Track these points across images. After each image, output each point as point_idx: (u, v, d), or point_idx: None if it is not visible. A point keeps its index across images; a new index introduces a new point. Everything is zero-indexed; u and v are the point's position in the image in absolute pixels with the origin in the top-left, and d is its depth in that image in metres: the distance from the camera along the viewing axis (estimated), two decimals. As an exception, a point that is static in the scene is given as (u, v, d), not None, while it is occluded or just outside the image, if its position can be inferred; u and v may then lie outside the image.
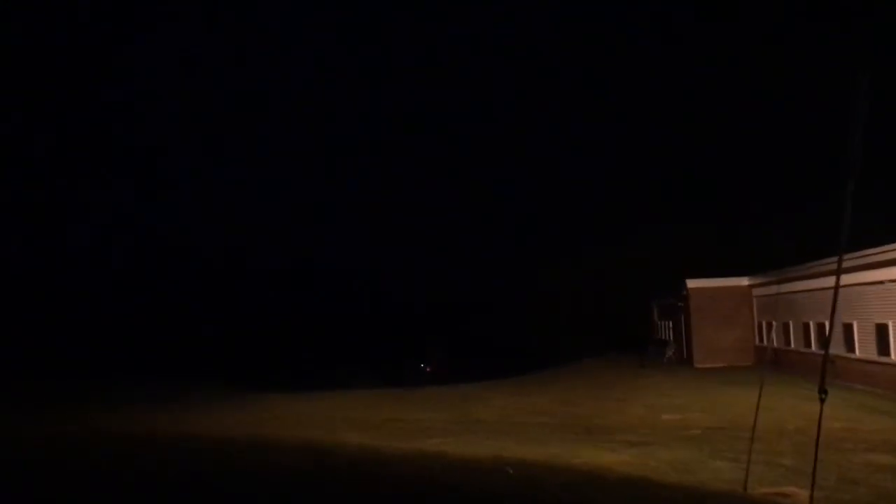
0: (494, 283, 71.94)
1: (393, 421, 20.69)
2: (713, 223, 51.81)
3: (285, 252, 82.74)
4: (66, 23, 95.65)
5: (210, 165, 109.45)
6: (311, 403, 28.01)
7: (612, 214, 67.03)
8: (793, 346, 27.85)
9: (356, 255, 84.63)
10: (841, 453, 11.23)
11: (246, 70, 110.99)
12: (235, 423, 21.70)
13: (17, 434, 17.46)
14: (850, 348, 22.24)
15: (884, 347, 20.32)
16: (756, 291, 32.58)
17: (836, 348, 22.51)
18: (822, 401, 5.71)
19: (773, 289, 29.90)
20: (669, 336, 38.71)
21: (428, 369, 56.69)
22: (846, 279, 20.57)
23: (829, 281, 20.94)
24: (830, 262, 22.11)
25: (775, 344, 29.51)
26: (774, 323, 29.87)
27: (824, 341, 23.38)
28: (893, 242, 19.59)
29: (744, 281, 33.12)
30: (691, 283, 33.96)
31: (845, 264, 7.61)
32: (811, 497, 6.36)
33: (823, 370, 5.83)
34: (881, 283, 20.37)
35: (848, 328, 22.30)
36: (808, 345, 26.19)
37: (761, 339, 31.87)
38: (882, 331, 20.44)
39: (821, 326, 25.00)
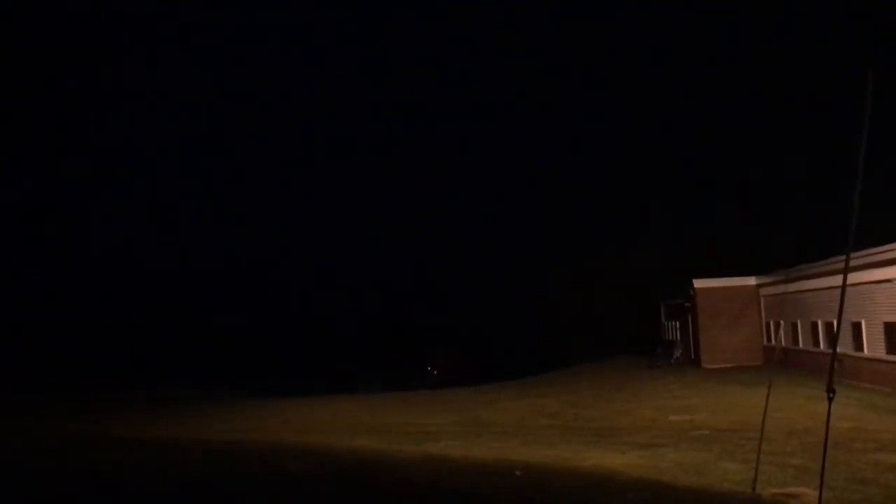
0: (499, 285, 71.85)
1: (400, 424, 20.70)
2: (720, 223, 51.63)
3: (286, 253, 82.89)
4: (65, 23, 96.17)
5: (210, 165, 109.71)
6: (318, 407, 28.05)
7: (618, 214, 66.89)
8: (801, 345, 27.72)
9: (357, 255, 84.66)
10: (850, 453, 11.17)
11: (246, 70, 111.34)
12: (242, 427, 21.74)
13: (25, 436, 17.53)
14: (859, 347, 22.12)
15: (892, 346, 20.21)
16: (764, 291, 32.46)
17: (845, 347, 22.40)
18: (830, 400, 5.68)
19: (781, 288, 29.80)
20: (677, 337, 38.59)
21: (435, 372, 56.66)
22: (854, 278, 20.50)
23: (837, 280, 20.88)
24: (838, 261, 22.01)
25: (783, 343, 29.40)
26: (782, 322, 29.75)
27: (832, 340, 23.27)
28: (901, 240, 19.50)
29: (751, 281, 33.00)
30: (698, 284, 33.86)
31: (853, 263, 7.58)
32: (820, 497, 6.32)
33: (831, 369, 5.80)
34: (889, 281, 20.27)
35: (856, 327, 22.19)
36: (817, 344, 26.07)
37: (769, 339, 31.74)
38: (890, 329, 20.33)
39: (829, 325, 24.88)
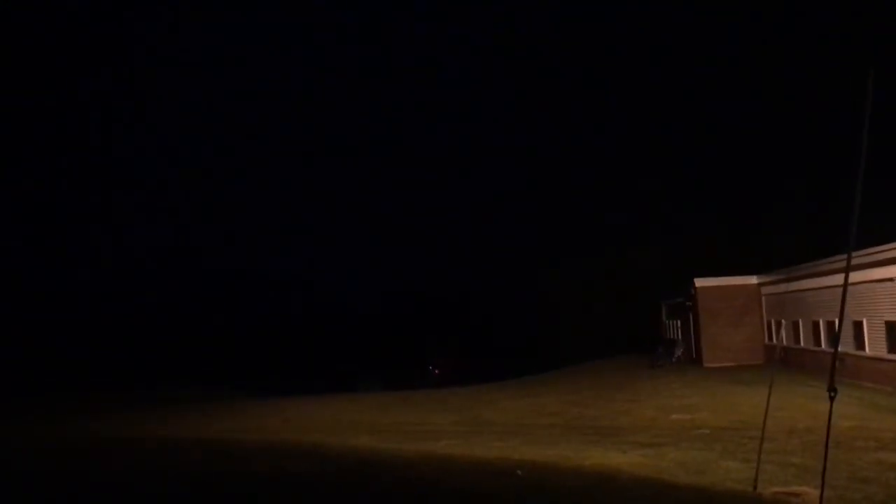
0: (500, 284, 71.86)
1: (401, 423, 20.69)
2: (721, 221, 51.57)
3: (286, 253, 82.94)
4: (65, 22, 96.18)
5: (210, 166, 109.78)
6: (319, 406, 28.04)
7: (618, 214, 66.82)
8: (802, 344, 27.70)
9: (357, 255, 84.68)
10: (851, 452, 11.15)
11: (246, 70, 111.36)
12: (242, 426, 21.74)
13: (25, 436, 17.53)
14: (860, 346, 22.10)
15: (894, 345, 20.19)
16: (765, 290, 32.44)
17: (846, 346, 22.38)
18: (832, 399, 5.67)
19: (782, 287, 29.77)
20: (678, 335, 38.57)
21: (435, 371, 56.69)
22: (855, 277, 20.47)
23: (839, 279, 20.86)
24: (839, 260, 21.98)
25: (784, 342, 29.38)
26: (783, 321, 29.73)
27: (834, 339, 23.26)
28: (902, 239, 19.47)
29: (752, 279, 32.98)
30: (700, 282, 33.85)
31: (854, 262, 7.58)
32: (821, 496, 6.31)
33: (833, 368, 5.79)
34: (891, 280, 20.24)
35: (858, 326, 22.17)
36: (818, 343, 26.05)
37: (770, 338, 31.72)
38: (892, 328, 20.31)
39: (830, 324, 24.86)
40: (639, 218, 63.60)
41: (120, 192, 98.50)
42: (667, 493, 8.90)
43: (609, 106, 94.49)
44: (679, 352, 36.43)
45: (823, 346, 25.44)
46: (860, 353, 22.03)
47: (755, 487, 8.76)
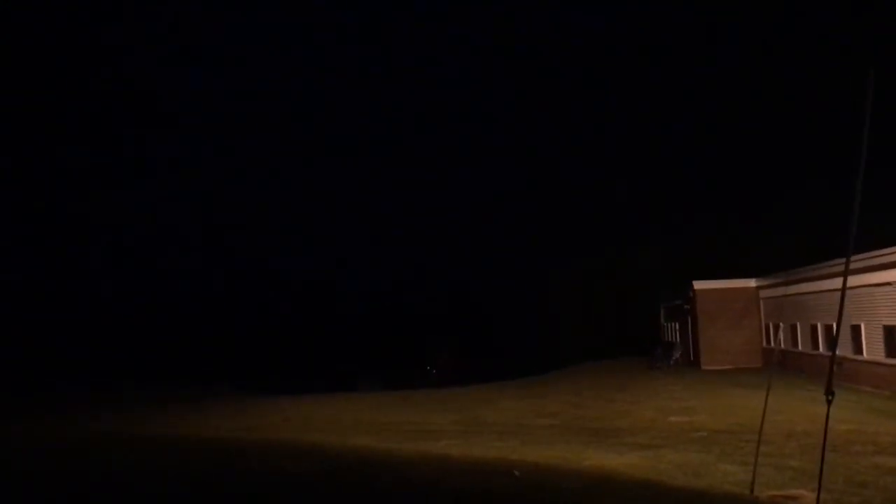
0: (499, 285, 71.89)
1: (400, 423, 20.72)
2: (721, 223, 51.65)
3: (286, 253, 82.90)
4: (64, 22, 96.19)
5: (210, 165, 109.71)
6: (318, 406, 28.06)
7: (618, 214, 66.86)
8: (800, 347, 27.75)
9: (357, 255, 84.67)
10: (849, 456, 11.19)
11: (246, 70, 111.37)
12: (242, 425, 21.77)
13: (25, 436, 17.55)
14: (858, 350, 22.15)
15: (892, 349, 20.24)
16: (763, 293, 32.48)
17: (844, 350, 22.43)
18: (830, 402, 5.71)
19: (781, 290, 29.82)
20: (676, 338, 38.62)
21: (435, 371, 56.74)
22: (854, 280, 20.53)
23: (837, 282, 20.91)
24: (838, 264, 22.04)
25: (783, 346, 29.41)
26: (782, 325, 29.76)
27: (832, 343, 23.30)
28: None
29: (751, 282, 33.03)
30: (698, 285, 33.89)
31: (853, 266, 7.60)
32: (818, 499, 6.35)
33: (830, 372, 5.83)
34: (889, 284, 20.29)
35: (856, 330, 22.22)
36: (816, 346, 26.10)
37: (769, 341, 31.77)
38: (890, 332, 20.36)
39: (828, 328, 24.91)
40: (639, 218, 63.68)
41: (120, 192, 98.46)
42: (664, 495, 8.94)
43: (609, 106, 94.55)
44: (677, 354, 36.47)
45: (821, 349, 25.49)
46: (858, 356, 22.08)
47: (752, 490, 8.79)
